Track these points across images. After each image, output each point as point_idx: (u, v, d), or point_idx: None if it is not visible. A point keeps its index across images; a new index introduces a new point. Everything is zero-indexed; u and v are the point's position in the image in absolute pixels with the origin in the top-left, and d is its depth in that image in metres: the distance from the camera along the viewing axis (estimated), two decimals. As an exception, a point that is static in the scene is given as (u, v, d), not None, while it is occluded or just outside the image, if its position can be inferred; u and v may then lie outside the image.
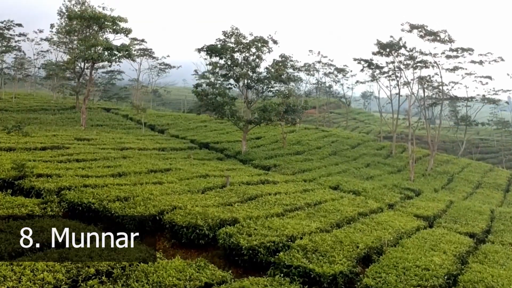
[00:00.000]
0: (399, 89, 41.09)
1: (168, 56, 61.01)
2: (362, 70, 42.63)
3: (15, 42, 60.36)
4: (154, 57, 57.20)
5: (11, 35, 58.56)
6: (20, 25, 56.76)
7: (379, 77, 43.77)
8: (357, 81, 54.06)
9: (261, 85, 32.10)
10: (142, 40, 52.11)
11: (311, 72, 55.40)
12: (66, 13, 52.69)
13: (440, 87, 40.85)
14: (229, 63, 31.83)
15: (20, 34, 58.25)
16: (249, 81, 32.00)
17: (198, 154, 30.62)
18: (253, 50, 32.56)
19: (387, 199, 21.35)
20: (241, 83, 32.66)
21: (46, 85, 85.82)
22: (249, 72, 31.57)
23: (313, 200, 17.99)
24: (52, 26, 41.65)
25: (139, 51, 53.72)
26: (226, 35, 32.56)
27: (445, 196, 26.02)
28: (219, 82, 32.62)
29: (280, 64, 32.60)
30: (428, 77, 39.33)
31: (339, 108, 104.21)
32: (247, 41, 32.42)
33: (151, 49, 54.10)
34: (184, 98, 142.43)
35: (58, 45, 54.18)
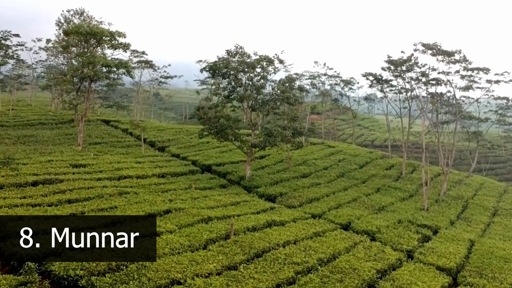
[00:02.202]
0: (410, 106, 39.35)
1: (169, 65, 59.15)
2: (370, 86, 41.00)
3: (13, 52, 58.86)
4: (154, 69, 55.65)
5: (8, 45, 57.07)
6: (17, 35, 55.21)
7: (388, 93, 41.99)
8: (366, 98, 52.04)
9: (266, 107, 30.46)
10: (143, 52, 50.63)
11: (317, 86, 53.73)
12: (64, 24, 51.45)
13: (452, 103, 39.24)
14: (232, 83, 30.23)
15: (18, 45, 56.74)
16: (253, 102, 30.37)
17: (200, 182, 29.03)
18: (258, 70, 30.99)
19: (404, 243, 19.72)
20: (245, 105, 31.06)
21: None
22: (253, 94, 29.94)
23: (326, 254, 16.38)
24: (48, 41, 40.08)
25: (140, 64, 52.17)
26: (230, 54, 31.01)
27: (463, 232, 24.38)
28: (222, 103, 31.02)
29: (287, 85, 30.97)
30: (440, 94, 37.66)
31: (344, 114, 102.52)
32: (252, 60, 30.85)
33: (151, 61, 52.61)
34: (186, 103, 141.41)
35: (56, 56, 52.74)
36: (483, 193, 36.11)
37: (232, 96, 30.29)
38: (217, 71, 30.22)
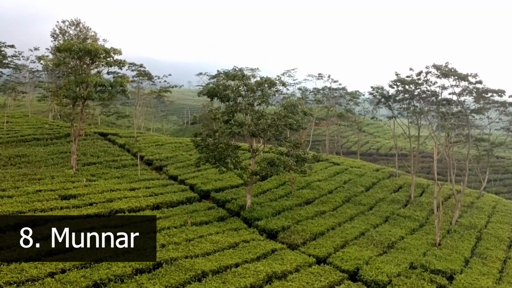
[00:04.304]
0: (419, 125, 37.49)
1: (169, 75, 57.42)
2: (377, 104, 39.10)
3: (8, 61, 57.35)
4: (153, 81, 53.95)
5: (4, 55, 55.56)
6: (12, 46, 53.74)
7: (396, 111, 40.00)
8: (374, 117, 50.11)
9: (267, 133, 28.68)
10: (141, 66, 48.85)
11: (322, 101, 51.85)
12: (60, 35, 49.79)
13: (461, 117, 37.40)
14: (231, 108, 28.44)
15: (13, 56, 55.25)
16: (253, 128, 28.58)
17: (197, 214, 27.29)
18: (259, 93, 29.25)
19: (418, 300, 17.94)
20: (245, 130, 29.30)
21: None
22: (254, 120, 28.16)
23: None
24: (40, 58, 38.40)
25: (138, 77, 50.41)
26: (229, 77, 29.30)
27: (480, 275, 22.54)
28: (221, 129, 29.29)
29: (291, 107, 29.17)
30: (451, 113, 35.80)
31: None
32: (252, 83, 29.14)
33: (150, 74, 50.78)
34: (188, 105, 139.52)
35: (52, 69, 51.19)
36: (496, 220, 34.18)
37: (231, 121, 28.47)
38: (215, 95, 28.52)
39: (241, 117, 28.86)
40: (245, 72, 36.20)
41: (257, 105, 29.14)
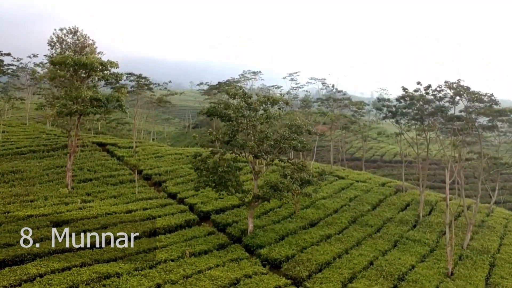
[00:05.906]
0: (428, 143, 36.03)
1: (170, 81, 56.23)
2: (384, 119, 37.64)
3: (6, 69, 56.24)
4: (153, 91, 52.64)
5: (1, 61, 54.45)
6: (8, 54, 52.57)
7: (403, 125, 38.53)
8: (380, 133, 48.79)
9: (270, 155, 27.31)
10: (139, 76, 47.51)
11: (326, 112, 50.45)
12: (57, 43, 48.46)
13: (472, 132, 35.92)
14: (233, 128, 27.04)
15: (10, 64, 54.12)
16: (256, 149, 27.20)
17: (196, 241, 25.83)
18: (261, 112, 27.88)
19: None
20: (247, 152, 27.93)
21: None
22: (256, 142, 26.78)
23: None
24: (34, 72, 37.18)
25: (137, 87, 49.08)
26: (230, 95, 27.91)
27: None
28: (221, 150, 27.93)
29: (295, 127, 27.80)
30: (461, 130, 34.32)
31: (352, 124, 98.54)
32: (254, 101, 27.76)
33: (149, 83, 49.48)
34: (190, 107, 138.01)
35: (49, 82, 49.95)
36: (509, 242, 32.69)
37: (232, 142, 27.11)
38: (215, 115, 27.16)
39: (243, 137, 27.51)
40: (247, 75, 34.80)
41: (259, 124, 27.73)
